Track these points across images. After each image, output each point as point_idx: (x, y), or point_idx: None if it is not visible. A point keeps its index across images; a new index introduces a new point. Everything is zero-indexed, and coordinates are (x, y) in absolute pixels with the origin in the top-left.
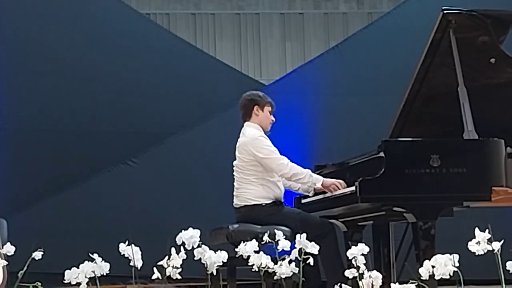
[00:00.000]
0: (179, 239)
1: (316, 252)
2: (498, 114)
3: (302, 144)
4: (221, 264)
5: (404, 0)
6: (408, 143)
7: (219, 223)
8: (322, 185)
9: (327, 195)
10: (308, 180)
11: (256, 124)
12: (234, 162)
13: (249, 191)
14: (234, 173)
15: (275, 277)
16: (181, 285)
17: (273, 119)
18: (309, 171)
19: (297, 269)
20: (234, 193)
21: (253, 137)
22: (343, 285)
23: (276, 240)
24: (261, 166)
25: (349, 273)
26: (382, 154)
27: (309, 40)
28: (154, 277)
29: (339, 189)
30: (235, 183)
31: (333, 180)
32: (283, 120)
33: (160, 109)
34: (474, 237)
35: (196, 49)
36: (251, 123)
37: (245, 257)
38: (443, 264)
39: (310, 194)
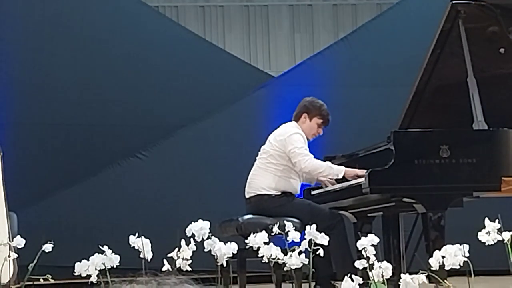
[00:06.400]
0: (189, 231)
1: (325, 243)
2: (507, 104)
3: None
4: (231, 256)
5: None
6: (417, 134)
7: (229, 215)
8: (344, 175)
9: (336, 186)
10: (329, 173)
11: (300, 126)
12: (263, 147)
13: (264, 179)
14: (257, 158)
15: (285, 269)
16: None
17: (320, 132)
18: (329, 163)
19: (307, 260)
20: (248, 180)
21: (293, 131)
22: (352, 276)
23: (286, 231)
24: (286, 160)
25: (359, 264)
26: (391, 145)
27: (318, 32)
28: (164, 269)
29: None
30: (252, 169)
31: (356, 170)
32: (292, 111)
33: (169, 102)
34: (484, 227)
35: (205, 41)
36: (296, 123)
37: (255, 249)
38: (453, 255)
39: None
